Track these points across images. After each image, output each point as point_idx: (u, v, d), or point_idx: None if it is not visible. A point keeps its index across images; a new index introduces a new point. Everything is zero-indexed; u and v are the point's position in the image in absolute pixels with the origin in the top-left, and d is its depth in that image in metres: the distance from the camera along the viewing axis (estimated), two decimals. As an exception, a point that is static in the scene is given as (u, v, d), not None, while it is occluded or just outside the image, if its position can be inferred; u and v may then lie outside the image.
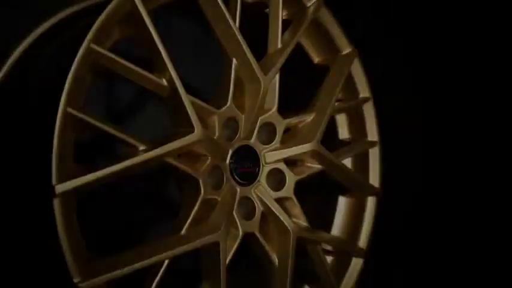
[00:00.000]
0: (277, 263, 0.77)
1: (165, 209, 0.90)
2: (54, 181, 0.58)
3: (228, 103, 0.73)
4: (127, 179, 0.64)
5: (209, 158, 0.72)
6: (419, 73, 1.16)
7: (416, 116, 1.16)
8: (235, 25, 0.72)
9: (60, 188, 0.59)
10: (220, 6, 0.70)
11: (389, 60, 1.12)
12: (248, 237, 0.75)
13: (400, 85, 1.14)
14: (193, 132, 0.67)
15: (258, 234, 0.76)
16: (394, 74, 1.13)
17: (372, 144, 0.90)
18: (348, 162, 0.91)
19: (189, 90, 0.67)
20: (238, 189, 0.74)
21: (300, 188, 0.80)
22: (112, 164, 0.62)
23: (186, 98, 0.67)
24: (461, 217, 1.17)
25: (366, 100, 0.89)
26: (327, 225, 0.91)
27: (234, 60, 0.73)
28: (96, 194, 0.82)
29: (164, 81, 0.67)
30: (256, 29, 0.76)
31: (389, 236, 1.00)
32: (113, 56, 0.63)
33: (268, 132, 0.78)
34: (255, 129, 0.76)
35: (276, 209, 0.76)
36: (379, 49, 1.08)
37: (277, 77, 0.77)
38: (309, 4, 0.81)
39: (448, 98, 1.19)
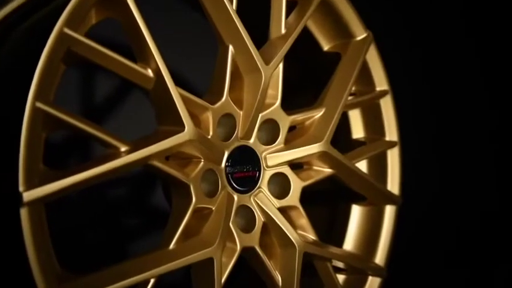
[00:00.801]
0: (280, 282, 0.76)
1: (151, 220, 0.91)
2: (21, 187, 0.57)
3: (224, 97, 0.72)
4: (107, 184, 0.64)
5: (202, 160, 0.71)
6: (431, 65, 1.18)
7: (430, 112, 1.17)
8: (232, 7, 0.71)
9: (28, 195, 0.58)
10: (215, -15, 0.70)
11: (403, 52, 1.13)
12: (247, 252, 0.75)
13: (413, 78, 1.16)
14: (183, 130, 0.66)
15: (258, 249, 0.75)
16: (407, 66, 1.14)
17: (391, 144, 0.91)
18: (362, 165, 0.91)
19: (178, 82, 0.67)
20: (235, 197, 0.74)
21: (307, 195, 0.80)
22: (89, 167, 0.61)
23: (174, 91, 0.66)
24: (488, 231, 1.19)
25: (383, 94, 0.89)
26: (339, 238, 0.91)
27: (231, 48, 0.73)
28: (71, 202, 0.81)
29: (149, 72, 0.66)
30: (256, 11, 0.75)
31: (406, 249, 1.01)
32: (89, 42, 0.62)
33: (270, 131, 0.78)
34: (254, 127, 0.75)
35: (279, 219, 0.76)
36: (391, 37, 1.09)
37: (281, 67, 0.76)
38: (317, -17, 0.81)
39: (466, 93, 1.22)
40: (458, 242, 1.21)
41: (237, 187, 0.74)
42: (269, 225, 0.76)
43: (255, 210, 0.76)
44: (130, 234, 0.90)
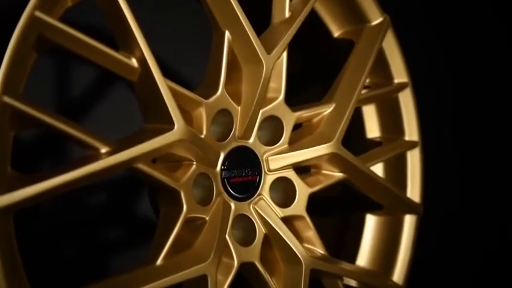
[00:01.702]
0: (284, 303, 0.76)
1: (135, 232, 0.91)
2: (-15, 194, 0.58)
3: (219, 91, 0.73)
4: (85, 191, 0.64)
5: (194, 163, 0.71)
6: (456, 54, 1.18)
7: (451, 109, 1.17)
8: (228, -13, 0.72)
9: (-6, 203, 0.58)
10: (209, -38, 0.71)
11: (424, 39, 1.13)
12: (246, 269, 0.75)
13: (435, 69, 1.16)
14: (172, 129, 0.66)
15: (258, 265, 0.75)
16: (429, 55, 1.14)
17: (411, 145, 0.91)
18: (378, 169, 0.91)
19: (167, 73, 0.67)
20: (232, 205, 0.74)
21: (315, 203, 0.80)
22: (64, 171, 0.61)
23: (162, 83, 0.66)
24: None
25: (402, 86, 0.90)
26: (351, 253, 0.91)
27: (227, 34, 0.73)
28: (44, 211, 0.81)
29: (133, 61, 0.67)
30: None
31: (428, 265, 1.01)
32: (64, 27, 0.62)
33: (272, 129, 0.78)
34: (254, 125, 0.76)
35: (282, 231, 0.76)
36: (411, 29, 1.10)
37: (285, 56, 0.76)
38: (326, -41, 0.82)
39: (489, 88, 1.22)
40: (485, 257, 1.21)
41: (235, 194, 0.74)
42: (271, 237, 0.76)
43: (255, 220, 0.76)
44: (112, 248, 0.90)
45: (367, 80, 0.86)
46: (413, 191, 0.91)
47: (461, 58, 1.20)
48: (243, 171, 0.75)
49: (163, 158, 0.71)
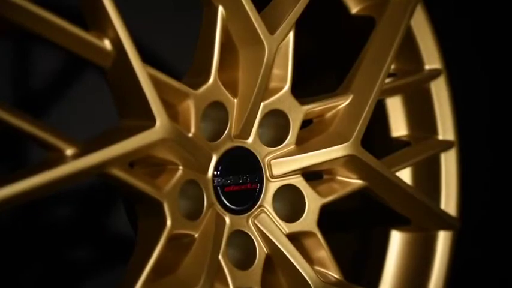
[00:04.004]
0: None
1: (108, 251, 0.91)
2: None
3: (211, 79, 0.73)
4: (47, 202, 0.63)
5: (180, 168, 0.71)
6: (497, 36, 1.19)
7: (489, 102, 1.18)
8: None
9: None
10: None
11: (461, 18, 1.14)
12: (244, 297, 0.75)
13: (472, 54, 1.17)
14: (153, 126, 0.66)
15: (259, 293, 0.76)
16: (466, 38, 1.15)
17: (446, 145, 0.91)
18: (406, 175, 0.91)
19: (147, 58, 0.67)
20: (227, 219, 0.74)
21: (329, 217, 0.80)
22: (20, 178, 0.60)
23: (141, 70, 0.66)
24: None
25: (436, 74, 0.90)
26: (373, 276, 0.92)
27: (221, 9, 0.73)
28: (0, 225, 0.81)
29: (106, 43, 0.66)
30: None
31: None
32: (22, 2, 0.62)
33: (276, 127, 0.78)
34: (254, 121, 0.76)
35: (288, 251, 0.76)
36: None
37: (291, 36, 0.77)
38: None
39: None
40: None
41: (230, 205, 0.75)
42: (274, 258, 0.77)
43: (255, 237, 0.76)
44: (81, 271, 0.90)
45: (392, 67, 0.86)
46: (449, 201, 0.91)
47: (502, 42, 1.21)
48: (240, 178, 0.75)
49: (142, 162, 0.70)
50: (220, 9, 0.73)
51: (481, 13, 1.19)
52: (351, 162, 0.80)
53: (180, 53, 0.86)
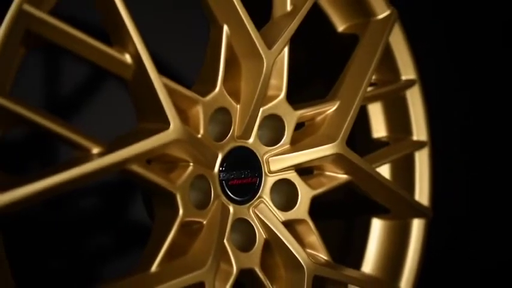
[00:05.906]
0: (286, 312, 0.77)
1: (129, 237, 0.90)
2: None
3: (217, 88, 0.73)
4: (75, 194, 0.64)
5: (191, 164, 0.71)
6: (468, 49, 1.18)
7: (463, 106, 1.17)
8: (227, -22, 0.72)
9: (-21, 207, 0.58)
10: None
11: (433, 34, 1.13)
12: (245, 275, 0.75)
13: (444, 66, 1.16)
14: (168, 128, 0.66)
15: (258, 271, 0.75)
16: (438, 51, 1.14)
17: (420, 145, 0.91)
18: (385, 170, 0.91)
19: (162, 70, 0.67)
20: (231, 209, 0.74)
21: (318, 206, 0.80)
22: (52, 173, 0.60)
23: (157, 80, 0.66)
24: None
25: (410, 84, 0.90)
26: (356, 259, 0.91)
27: (226, 28, 0.73)
28: (31, 216, 0.81)
29: (127, 57, 0.66)
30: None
31: (437, 271, 1.01)
32: (54, 21, 0.62)
33: (273, 129, 0.78)
34: (254, 124, 0.76)
35: (284, 236, 0.76)
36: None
37: (286, 51, 0.77)
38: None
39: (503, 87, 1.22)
40: (499, 261, 1.21)
41: (233, 196, 0.75)
42: (272, 242, 0.77)
43: (255, 224, 0.76)
44: (104, 254, 0.90)
45: (373, 77, 0.86)
46: (422, 193, 0.91)
47: (471, 54, 1.20)
48: (242, 173, 0.75)
49: (158, 159, 0.70)
50: (225, 28, 0.73)
51: (454, 20, 1.18)
52: (338, 160, 0.80)
53: (190, 65, 0.85)
